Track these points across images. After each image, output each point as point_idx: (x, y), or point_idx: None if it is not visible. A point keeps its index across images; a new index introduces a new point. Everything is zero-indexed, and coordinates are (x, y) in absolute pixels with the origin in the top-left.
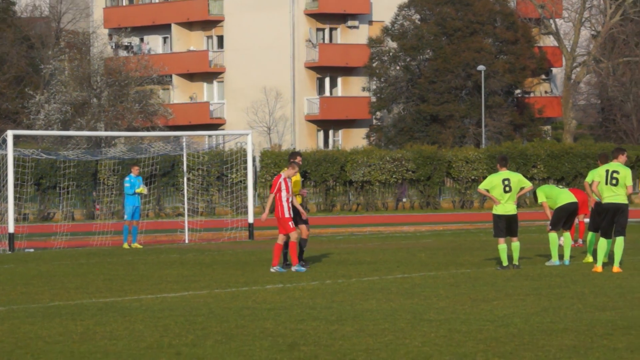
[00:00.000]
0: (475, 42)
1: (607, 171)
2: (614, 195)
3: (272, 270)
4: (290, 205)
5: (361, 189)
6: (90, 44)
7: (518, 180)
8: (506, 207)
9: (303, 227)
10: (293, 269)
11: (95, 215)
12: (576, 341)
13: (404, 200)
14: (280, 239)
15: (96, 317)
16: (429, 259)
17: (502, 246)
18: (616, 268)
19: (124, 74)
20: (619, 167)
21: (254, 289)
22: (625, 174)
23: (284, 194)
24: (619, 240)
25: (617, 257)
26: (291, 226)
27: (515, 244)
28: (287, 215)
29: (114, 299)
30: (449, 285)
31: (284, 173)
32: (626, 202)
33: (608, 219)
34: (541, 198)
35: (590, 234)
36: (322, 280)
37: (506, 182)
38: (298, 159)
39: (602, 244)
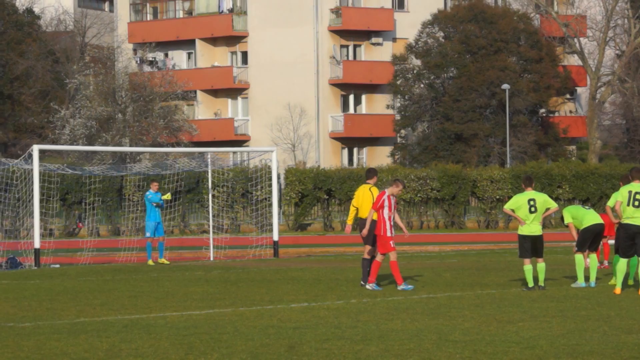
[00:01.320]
0: (499, 60)
1: (630, 192)
2: (636, 218)
3: (368, 287)
4: (392, 223)
5: None
6: (114, 59)
7: (544, 200)
8: (531, 227)
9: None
10: (399, 288)
11: (76, 232)
12: None
13: None
14: (393, 256)
15: (121, 334)
16: (454, 279)
17: (527, 267)
18: None
19: (148, 89)
20: None
21: (279, 307)
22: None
23: (386, 211)
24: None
25: None
26: (392, 245)
27: (541, 265)
28: (389, 234)
29: (139, 315)
30: (474, 306)
31: (388, 190)
32: None
33: (628, 241)
34: (567, 219)
35: (616, 256)
36: (347, 299)
37: (532, 203)
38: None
39: (621, 265)
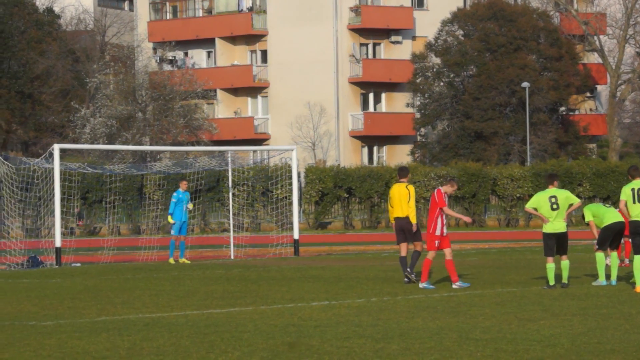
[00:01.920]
0: (519, 58)
1: (632, 190)
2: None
3: (420, 285)
4: (444, 222)
5: None
6: (134, 58)
7: (566, 197)
8: (555, 224)
9: (418, 243)
10: (421, 285)
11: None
12: None
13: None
14: (430, 255)
15: (143, 332)
16: (474, 277)
17: (550, 265)
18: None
19: (168, 88)
20: None
21: (300, 306)
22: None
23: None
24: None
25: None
26: (435, 245)
27: (565, 263)
28: (437, 232)
29: (161, 314)
30: (494, 304)
31: (442, 189)
32: None
33: (638, 238)
34: (588, 217)
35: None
36: (368, 297)
37: (553, 200)
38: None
39: (637, 262)
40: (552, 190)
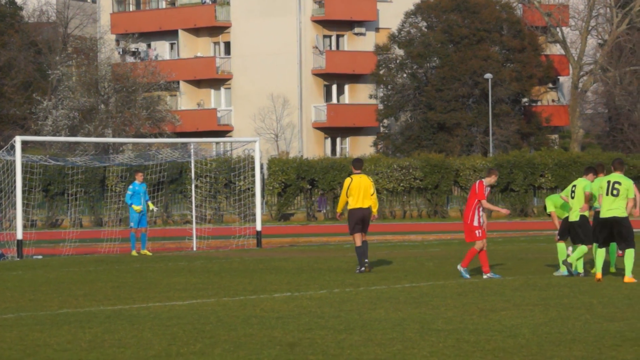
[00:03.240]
0: (482, 50)
1: (609, 182)
2: (613, 209)
3: (484, 277)
4: (481, 213)
5: None
6: (97, 50)
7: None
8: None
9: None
10: (485, 276)
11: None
12: (584, 352)
13: (323, 211)
14: (478, 246)
15: (104, 324)
16: (436, 268)
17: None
18: (628, 278)
19: (131, 80)
20: (621, 178)
21: (262, 297)
22: (628, 186)
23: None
24: (628, 252)
25: (629, 267)
26: (477, 235)
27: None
28: (476, 222)
29: (122, 306)
30: (457, 295)
31: (485, 180)
32: (625, 214)
33: (606, 231)
34: (550, 208)
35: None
36: (330, 289)
37: (572, 189)
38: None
39: (601, 251)
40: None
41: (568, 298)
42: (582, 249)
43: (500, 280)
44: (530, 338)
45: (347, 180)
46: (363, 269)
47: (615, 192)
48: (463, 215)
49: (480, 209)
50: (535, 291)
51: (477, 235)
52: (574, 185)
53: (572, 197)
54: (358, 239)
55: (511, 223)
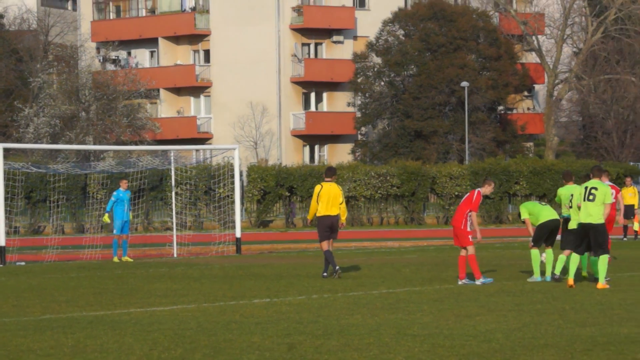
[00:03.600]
0: (458, 58)
1: (586, 188)
2: (590, 216)
3: (460, 282)
4: (469, 219)
5: (347, 204)
6: (78, 58)
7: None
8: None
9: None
10: (477, 282)
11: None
12: (557, 357)
13: (293, 219)
14: (473, 249)
15: (87, 330)
16: (413, 274)
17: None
18: (601, 284)
19: (111, 87)
20: (598, 184)
21: (242, 303)
22: (605, 192)
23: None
24: (602, 257)
25: (602, 273)
26: (470, 239)
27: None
28: (468, 228)
29: (104, 312)
30: (432, 301)
31: (482, 190)
32: (601, 221)
33: (580, 238)
34: (524, 214)
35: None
36: (308, 294)
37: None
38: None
39: (574, 258)
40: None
41: (541, 304)
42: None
43: (474, 286)
44: (504, 343)
45: (317, 188)
46: (326, 274)
47: (591, 197)
48: (453, 221)
49: (469, 216)
50: (509, 297)
51: (470, 239)
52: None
53: (570, 207)
54: (325, 245)
55: (486, 230)
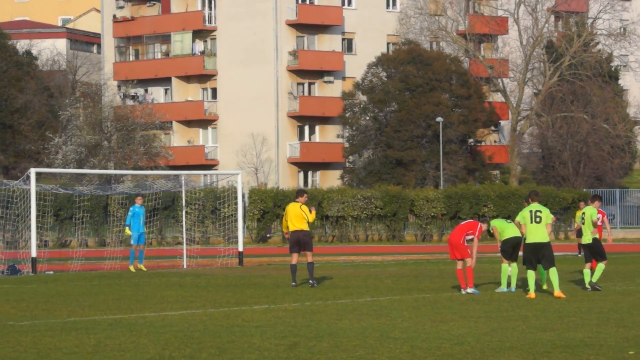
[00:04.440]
0: (434, 97)
1: (530, 212)
2: (537, 235)
3: (469, 291)
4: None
5: (336, 223)
6: (101, 94)
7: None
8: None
9: (308, 253)
10: (468, 291)
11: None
12: (520, 358)
13: (269, 236)
14: (471, 262)
15: (107, 331)
16: (394, 284)
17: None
18: (557, 292)
19: (130, 120)
20: (540, 207)
21: (243, 309)
22: (547, 214)
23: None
24: (552, 270)
25: (555, 283)
26: (469, 252)
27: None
28: (466, 244)
29: (122, 316)
30: (411, 308)
31: (484, 227)
32: (547, 239)
33: (533, 255)
34: (493, 224)
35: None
36: (302, 302)
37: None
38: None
39: (530, 274)
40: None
41: (507, 311)
42: (601, 266)
43: (449, 295)
44: (475, 345)
45: (286, 208)
46: (294, 284)
47: (538, 219)
48: (452, 237)
49: (466, 240)
50: (479, 305)
51: (469, 253)
52: (584, 213)
53: (583, 223)
54: (293, 258)
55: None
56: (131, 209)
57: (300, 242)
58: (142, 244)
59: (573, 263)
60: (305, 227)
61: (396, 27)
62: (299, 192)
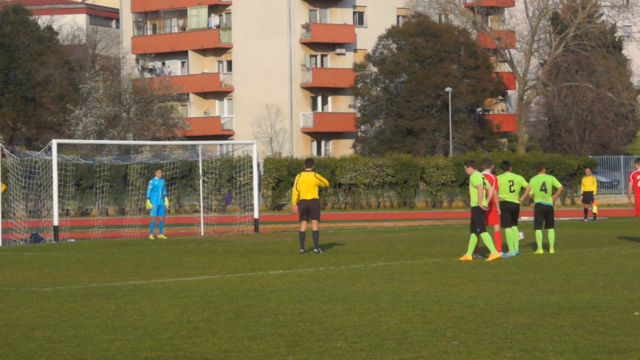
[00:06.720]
0: (443, 67)
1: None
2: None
3: (500, 254)
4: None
5: (349, 191)
6: (120, 67)
7: (520, 180)
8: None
9: (314, 221)
10: (500, 255)
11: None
12: (529, 319)
13: (230, 204)
14: (497, 227)
15: (127, 297)
16: (405, 249)
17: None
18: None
19: (148, 92)
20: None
21: (259, 274)
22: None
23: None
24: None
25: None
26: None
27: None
28: (497, 209)
29: (142, 281)
30: (422, 272)
31: (490, 172)
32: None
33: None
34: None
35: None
36: (316, 267)
37: (510, 183)
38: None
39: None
40: (509, 175)
41: (515, 275)
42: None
43: (458, 260)
44: (484, 308)
45: (297, 177)
46: (302, 250)
47: (542, 190)
48: (490, 205)
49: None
50: (488, 269)
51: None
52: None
53: (544, 190)
54: (303, 226)
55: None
56: (151, 181)
57: (309, 209)
58: (162, 214)
59: (579, 227)
60: (316, 196)
61: (406, 1)
62: (308, 161)
